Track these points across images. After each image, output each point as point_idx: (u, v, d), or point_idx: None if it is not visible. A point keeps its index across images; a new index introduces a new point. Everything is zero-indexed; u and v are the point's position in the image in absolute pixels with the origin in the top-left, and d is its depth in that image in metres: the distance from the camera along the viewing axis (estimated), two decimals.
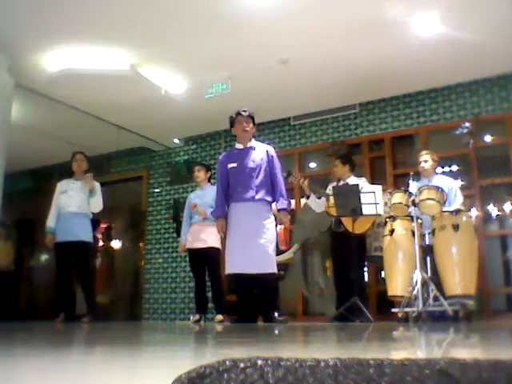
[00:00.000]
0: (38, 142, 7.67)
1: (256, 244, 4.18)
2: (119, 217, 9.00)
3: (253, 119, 4.50)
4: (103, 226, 8.55)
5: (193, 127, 7.54)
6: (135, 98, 6.30)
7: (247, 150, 4.45)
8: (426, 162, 4.99)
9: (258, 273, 4.22)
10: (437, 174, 5.14)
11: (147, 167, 8.35)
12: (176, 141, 7.99)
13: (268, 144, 4.74)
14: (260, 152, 4.44)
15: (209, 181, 5.78)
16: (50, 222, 5.38)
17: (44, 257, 9.31)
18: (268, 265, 4.23)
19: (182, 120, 7.11)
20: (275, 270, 4.33)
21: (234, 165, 4.42)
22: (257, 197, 4.29)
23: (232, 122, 4.50)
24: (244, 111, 4.45)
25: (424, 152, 5.10)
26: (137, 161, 8.48)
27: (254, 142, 4.52)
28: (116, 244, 8.98)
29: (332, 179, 6.01)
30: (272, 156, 4.44)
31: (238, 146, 4.53)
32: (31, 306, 8.96)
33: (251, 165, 4.37)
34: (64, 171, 8.85)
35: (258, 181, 4.32)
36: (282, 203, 4.31)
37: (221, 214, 4.41)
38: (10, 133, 5.68)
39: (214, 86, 5.98)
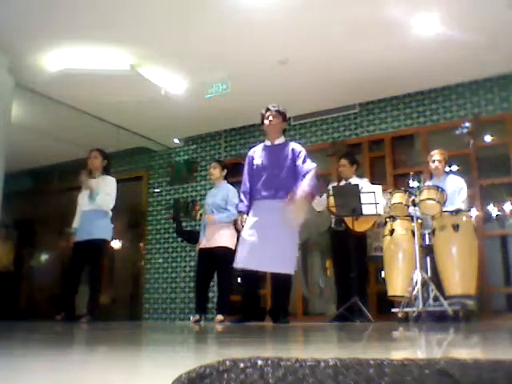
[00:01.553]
0: (38, 142, 7.67)
1: (275, 243, 4.06)
2: (119, 217, 8.98)
3: (282, 115, 4.43)
4: None
5: (193, 127, 7.55)
6: (135, 98, 6.30)
7: (274, 148, 4.41)
8: (440, 161, 4.98)
9: (274, 272, 4.21)
10: (447, 173, 5.12)
11: (147, 167, 8.36)
12: (176, 141, 7.99)
13: (298, 143, 4.63)
14: (286, 150, 4.36)
15: (225, 178, 5.55)
16: (74, 223, 5.41)
17: (44, 257, 9.32)
18: (286, 265, 4.15)
19: (181, 120, 7.11)
20: (292, 272, 4.24)
21: (259, 162, 4.38)
22: (279, 195, 4.20)
23: (262, 118, 4.46)
24: (273, 106, 4.42)
25: (436, 151, 5.06)
26: (137, 161, 8.48)
27: (282, 139, 4.45)
28: (116, 244, 8.97)
29: (332, 179, 6.01)
30: (297, 152, 4.32)
31: (267, 142, 4.49)
32: (31, 305, 8.96)
33: (275, 163, 4.31)
34: (64, 171, 8.90)
35: (280, 179, 4.25)
36: (303, 189, 3.97)
37: (242, 209, 4.34)
38: (9, 133, 5.68)
39: (213, 86, 5.98)
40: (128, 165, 8.52)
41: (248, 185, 4.40)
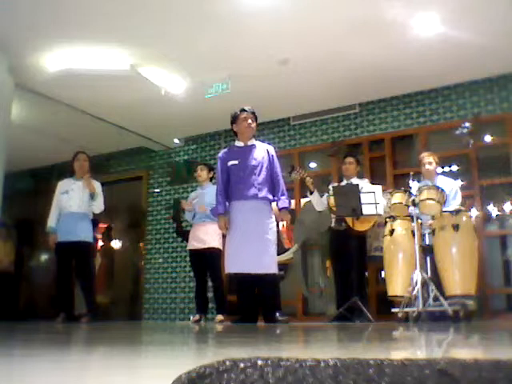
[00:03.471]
0: (38, 142, 7.67)
1: (259, 243, 4.15)
2: (119, 217, 8.99)
3: (256, 117, 4.50)
4: (103, 225, 8.53)
5: (193, 127, 7.55)
6: (135, 98, 6.30)
7: (249, 148, 4.44)
8: (430, 163, 4.98)
9: (260, 273, 4.21)
10: (438, 174, 5.13)
11: (147, 167, 8.35)
12: (176, 141, 7.99)
13: (268, 144, 4.74)
14: (261, 150, 4.43)
15: (210, 180, 5.78)
16: (51, 222, 5.39)
17: (44, 257, 9.31)
18: (270, 265, 4.22)
19: (182, 120, 7.11)
20: (276, 271, 4.32)
21: (235, 162, 4.38)
22: (260, 195, 4.26)
23: (235, 119, 4.48)
24: (249, 108, 4.47)
25: (426, 153, 5.07)
26: (137, 161, 8.48)
27: (254, 141, 4.52)
28: (116, 244, 8.96)
29: (332, 179, 6.02)
30: (272, 155, 4.44)
31: (239, 143, 4.52)
32: (31, 305, 8.95)
33: (253, 162, 4.34)
34: (64, 171, 8.88)
35: (260, 179, 4.30)
36: (284, 202, 4.30)
37: (222, 211, 4.37)
38: (9, 133, 5.68)
39: (213, 86, 5.98)
40: (128, 165, 8.53)
41: (223, 186, 4.41)
